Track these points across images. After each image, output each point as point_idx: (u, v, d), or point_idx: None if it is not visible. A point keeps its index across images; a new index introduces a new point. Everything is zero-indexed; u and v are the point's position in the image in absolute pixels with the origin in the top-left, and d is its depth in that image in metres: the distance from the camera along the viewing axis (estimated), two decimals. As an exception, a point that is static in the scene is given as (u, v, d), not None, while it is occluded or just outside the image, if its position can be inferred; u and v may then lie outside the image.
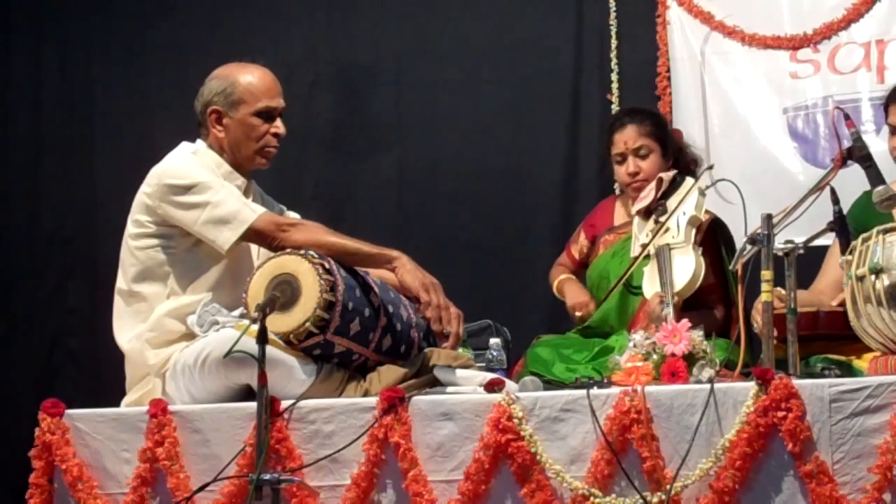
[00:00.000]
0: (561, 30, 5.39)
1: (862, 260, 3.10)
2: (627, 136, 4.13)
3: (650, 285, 3.82)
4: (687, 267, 3.75)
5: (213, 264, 3.53)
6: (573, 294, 4.20)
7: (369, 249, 3.44)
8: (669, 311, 3.58)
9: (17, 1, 5.86)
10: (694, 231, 3.86)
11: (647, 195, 4.00)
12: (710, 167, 4.13)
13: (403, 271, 3.38)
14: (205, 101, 3.63)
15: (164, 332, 3.48)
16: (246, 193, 3.64)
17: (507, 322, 4.30)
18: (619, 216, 4.26)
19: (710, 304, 3.96)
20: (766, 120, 5.14)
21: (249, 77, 3.63)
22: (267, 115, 3.63)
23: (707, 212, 3.96)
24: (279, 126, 3.65)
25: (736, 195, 3.54)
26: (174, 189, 3.48)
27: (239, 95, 3.60)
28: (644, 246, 3.90)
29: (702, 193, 3.92)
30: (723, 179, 3.90)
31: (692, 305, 3.81)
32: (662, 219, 3.90)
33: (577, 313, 4.11)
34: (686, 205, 3.89)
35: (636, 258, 3.93)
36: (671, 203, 3.95)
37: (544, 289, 4.43)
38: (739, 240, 3.57)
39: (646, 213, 4.01)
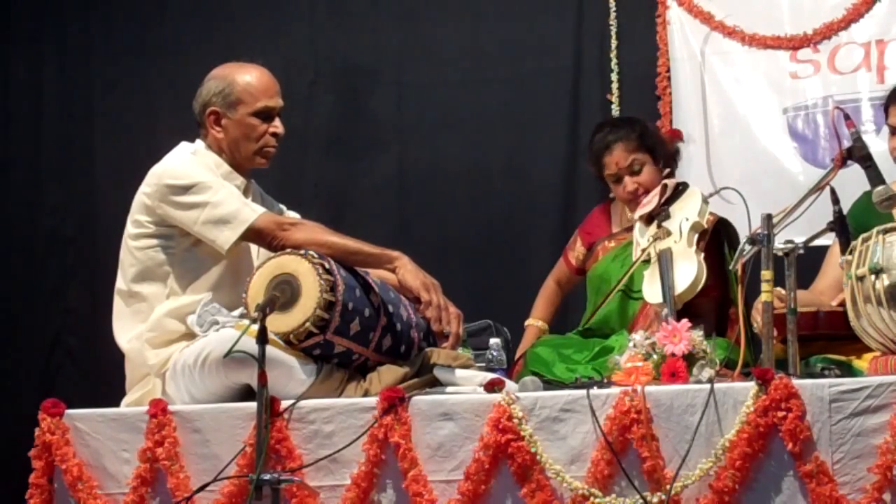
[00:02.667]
0: (561, 30, 5.39)
1: (862, 260, 3.10)
2: (617, 157, 4.10)
3: (650, 289, 3.81)
4: (688, 272, 3.75)
5: (212, 264, 3.53)
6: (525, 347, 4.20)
7: (370, 249, 3.44)
8: (670, 316, 3.58)
9: (17, 1, 5.86)
10: (696, 237, 3.86)
11: (651, 201, 3.99)
12: (724, 188, 4.10)
13: (404, 271, 3.38)
14: (203, 102, 3.63)
15: (164, 332, 3.48)
16: (245, 193, 3.64)
17: (507, 322, 4.30)
18: (616, 223, 4.25)
19: (703, 305, 3.94)
20: (766, 120, 5.14)
21: (247, 77, 3.62)
22: (265, 114, 3.62)
23: (711, 213, 3.96)
24: (278, 126, 3.64)
25: (736, 196, 3.54)
26: (174, 189, 3.48)
27: (237, 96, 3.60)
28: (644, 250, 3.89)
29: (705, 201, 3.91)
30: (727, 188, 3.88)
31: (686, 308, 3.80)
32: (665, 224, 3.89)
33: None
34: (689, 211, 3.88)
35: (635, 262, 3.93)
36: (674, 209, 3.94)
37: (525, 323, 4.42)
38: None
39: (648, 219, 4.00)
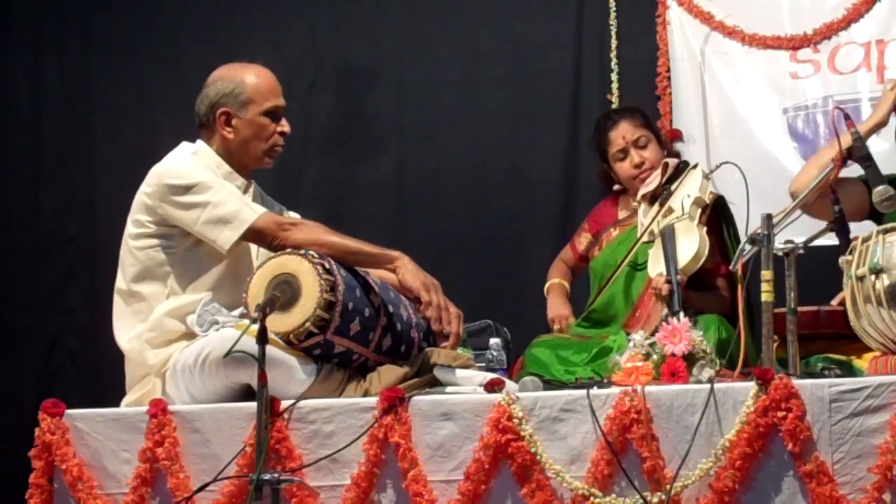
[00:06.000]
0: (561, 30, 5.39)
1: (862, 260, 3.11)
2: (624, 131, 4.15)
3: (655, 266, 3.81)
4: (691, 244, 3.75)
5: (213, 264, 3.53)
6: (554, 306, 4.23)
7: (370, 249, 3.44)
8: (675, 288, 3.57)
9: (16, 1, 5.86)
10: (699, 211, 3.87)
11: (653, 180, 4.03)
12: (724, 163, 4.07)
13: (404, 271, 3.38)
14: (211, 102, 3.62)
15: (164, 331, 3.48)
16: (245, 194, 3.64)
17: (507, 322, 4.29)
18: (622, 212, 4.26)
19: (716, 283, 3.96)
20: (766, 120, 5.14)
21: (255, 77, 3.63)
22: (274, 114, 3.64)
23: (711, 192, 3.97)
24: (285, 125, 3.67)
25: (737, 194, 3.54)
26: (174, 189, 3.48)
27: (248, 96, 3.60)
28: (647, 227, 3.91)
29: (706, 177, 3.94)
30: (726, 162, 3.89)
31: (699, 286, 3.81)
32: (667, 202, 3.91)
33: (555, 327, 4.13)
34: (690, 187, 3.90)
35: (638, 240, 3.95)
36: (676, 188, 3.96)
37: (544, 288, 4.42)
38: (743, 224, 3.59)
39: (651, 199, 4.02)
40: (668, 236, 3.75)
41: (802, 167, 4.06)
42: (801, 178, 3.79)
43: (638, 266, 4.00)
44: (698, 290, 3.80)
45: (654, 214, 3.94)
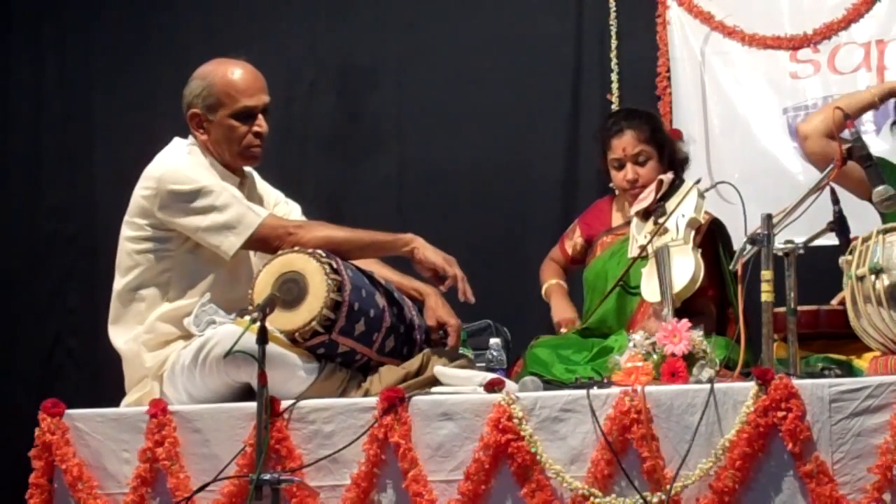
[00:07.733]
0: (561, 29, 5.39)
1: (862, 260, 3.10)
2: (626, 143, 4.09)
3: (648, 286, 3.81)
4: (686, 268, 3.75)
5: (210, 267, 3.50)
6: (559, 309, 4.20)
7: (383, 238, 3.46)
8: (669, 312, 3.58)
9: (17, 1, 5.87)
10: (693, 233, 3.86)
11: (647, 196, 3.99)
12: (698, 181, 4.07)
13: (424, 250, 3.43)
14: (186, 104, 3.57)
15: (160, 334, 3.46)
16: (242, 188, 3.60)
17: (507, 322, 4.29)
18: (616, 218, 4.24)
19: (703, 304, 3.95)
20: (766, 120, 5.14)
21: (228, 76, 3.53)
22: (246, 115, 3.53)
23: (706, 213, 3.96)
24: (261, 125, 3.55)
25: (735, 195, 3.54)
26: (177, 195, 3.44)
27: (217, 97, 3.52)
28: (642, 247, 3.89)
29: (701, 196, 3.91)
30: (723, 182, 3.89)
31: (686, 306, 3.80)
32: (661, 220, 3.89)
33: (563, 330, 4.10)
34: (685, 207, 3.88)
35: (634, 259, 3.93)
36: (670, 205, 3.94)
37: (542, 290, 4.41)
38: (739, 241, 3.57)
39: (644, 215, 4.00)
40: (663, 260, 3.75)
41: (809, 115, 4.03)
42: (807, 125, 3.79)
43: (631, 289, 3.98)
44: (684, 310, 3.77)
45: (647, 231, 3.92)
